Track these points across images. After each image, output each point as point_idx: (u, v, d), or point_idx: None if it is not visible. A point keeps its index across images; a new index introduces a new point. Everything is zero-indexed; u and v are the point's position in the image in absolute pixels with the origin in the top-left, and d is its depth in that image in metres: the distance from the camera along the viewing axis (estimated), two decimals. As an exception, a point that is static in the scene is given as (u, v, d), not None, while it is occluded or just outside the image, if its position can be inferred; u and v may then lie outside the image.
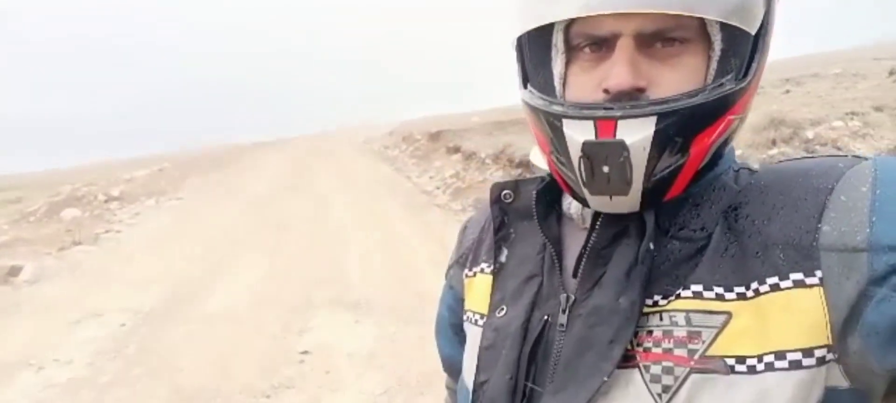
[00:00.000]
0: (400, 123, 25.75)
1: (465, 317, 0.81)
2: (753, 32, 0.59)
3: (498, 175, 9.72)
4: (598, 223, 0.67)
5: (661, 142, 0.58)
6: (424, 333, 4.43)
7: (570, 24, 0.64)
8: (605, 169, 0.59)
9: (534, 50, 0.69)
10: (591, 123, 0.59)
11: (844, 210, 0.55)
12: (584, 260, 0.67)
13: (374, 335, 4.47)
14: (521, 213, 0.75)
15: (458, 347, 0.85)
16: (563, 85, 0.67)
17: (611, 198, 0.62)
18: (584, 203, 0.66)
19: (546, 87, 0.67)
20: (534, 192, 0.73)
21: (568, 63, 0.67)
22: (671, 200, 0.63)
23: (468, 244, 0.86)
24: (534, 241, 0.73)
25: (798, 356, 0.54)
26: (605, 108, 0.59)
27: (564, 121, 0.61)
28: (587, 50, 0.63)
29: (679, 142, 0.58)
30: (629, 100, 0.59)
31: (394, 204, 9.58)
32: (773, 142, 6.66)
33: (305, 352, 4.24)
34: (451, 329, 0.90)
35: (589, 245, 0.67)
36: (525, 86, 0.68)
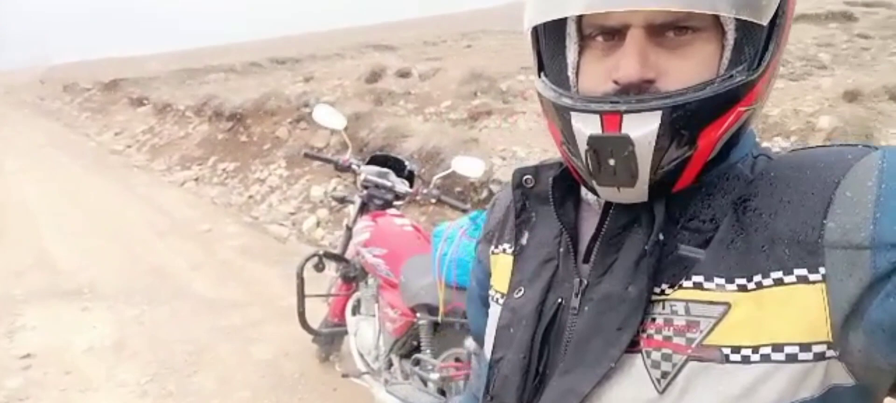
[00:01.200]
0: (49, 68, 21.51)
1: (490, 294, 0.84)
2: (765, 23, 0.58)
3: (204, 129, 9.09)
4: (611, 210, 0.69)
5: (667, 136, 0.58)
6: (178, 308, 4.17)
7: (580, 16, 0.65)
8: (611, 162, 0.61)
9: (548, 39, 0.70)
10: (597, 117, 0.60)
11: (849, 205, 0.55)
12: (596, 246, 0.70)
13: (113, 321, 4.00)
14: (542, 198, 0.77)
15: (485, 318, 0.86)
16: (577, 74, 0.68)
17: (619, 189, 0.63)
18: (595, 192, 0.68)
19: (560, 76, 0.69)
20: (550, 179, 0.75)
21: (581, 52, 0.67)
22: (682, 190, 0.64)
23: (494, 222, 0.88)
24: (552, 225, 0.75)
25: (795, 349, 0.55)
26: (612, 102, 0.60)
27: (572, 113, 0.62)
28: (599, 39, 0.64)
29: (686, 135, 0.59)
30: (638, 91, 0.60)
31: (82, 170, 8.26)
32: (475, 94, 7.71)
33: (28, 356, 3.60)
34: (480, 300, 0.91)
35: (602, 232, 0.69)
36: (539, 75, 0.70)
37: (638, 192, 0.63)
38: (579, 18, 0.66)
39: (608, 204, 0.70)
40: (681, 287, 0.61)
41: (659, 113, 0.58)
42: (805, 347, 0.55)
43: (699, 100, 0.58)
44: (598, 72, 0.64)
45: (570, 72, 0.69)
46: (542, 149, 6.09)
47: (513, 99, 7.51)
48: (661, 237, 0.62)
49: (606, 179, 0.63)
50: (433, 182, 3.18)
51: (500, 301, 0.80)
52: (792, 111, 5.20)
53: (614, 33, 0.62)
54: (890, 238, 0.52)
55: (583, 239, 0.73)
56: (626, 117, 0.59)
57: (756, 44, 0.60)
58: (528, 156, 5.95)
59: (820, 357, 0.55)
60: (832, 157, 0.59)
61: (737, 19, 0.59)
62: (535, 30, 0.71)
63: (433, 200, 3.22)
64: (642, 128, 0.58)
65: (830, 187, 0.56)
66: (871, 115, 4.85)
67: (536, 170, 0.79)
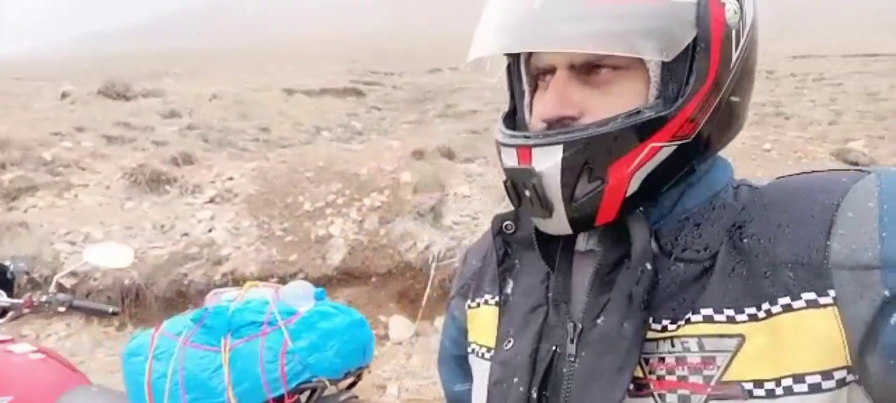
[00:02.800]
0: None
1: (469, 350, 0.81)
2: (667, 60, 0.60)
3: None
4: (601, 249, 0.68)
5: (571, 169, 0.61)
6: None
7: (528, 58, 0.70)
8: (527, 193, 0.64)
9: (513, 80, 0.74)
10: (514, 151, 0.64)
11: (853, 226, 0.55)
12: (588, 287, 0.68)
13: None
14: (524, 243, 0.75)
15: (462, 380, 0.85)
16: (531, 112, 0.71)
17: (543, 219, 0.65)
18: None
19: (521, 115, 0.73)
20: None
21: (534, 91, 0.71)
22: (672, 222, 0.65)
23: (469, 274, 0.85)
24: (538, 271, 0.73)
25: (817, 378, 0.54)
26: (525, 137, 0.64)
27: (501, 148, 0.66)
28: (544, 79, 0.67)
29: (593, 169, 0.61)
30: (562, 127, 0.63)
31: None
32: (3, 166, 5.82)
33: None
34: (454, 360, 0.88)
35: (593, 271, 0.68)
36: (505, 116, 0.74)
37: (558, 223, 0.64)
38: (527, 61, 0.70)
39: (601, 245, 0.68)
40: (689, 321, 0.60)
41: (561, 147, 0.60)
42: (826, 375, 0.54)
43: (599, 134, 0.60)
44: (536, 111, 0.67)
45: (526, 111, 0.72)
46: (123, 224, 5.08)
47: (65, 169, 6.05)
48: (649, 267, 0.61)
49: (527, 209, 0.66)
50: (53, 283, 2.26)
51: (486, 355, 0.76)
52: (377, 169, 5.80)
53: (551, 73, 0.65)
54: None
55: (573, 283, 0.70)
56: (535, 151, 0.62)
57: (678, 80, 0.61)
58: (107, 236, 4.88)
59: (841, 383, 0.54)
60: (827, 181, 0.60)
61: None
62: (508, 71, 0.74)
63: (62, 308, 2.26)
64: (547, 161, 0.61)
65: (831, 209, 0.56)
66: (437, 169, 5.83)
67: (517, 216, 0.76)
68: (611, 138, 0.60)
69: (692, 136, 0.63)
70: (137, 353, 1.74)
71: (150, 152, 6.94)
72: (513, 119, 0.74)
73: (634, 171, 0.61)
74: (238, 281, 4.74)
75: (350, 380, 1.85)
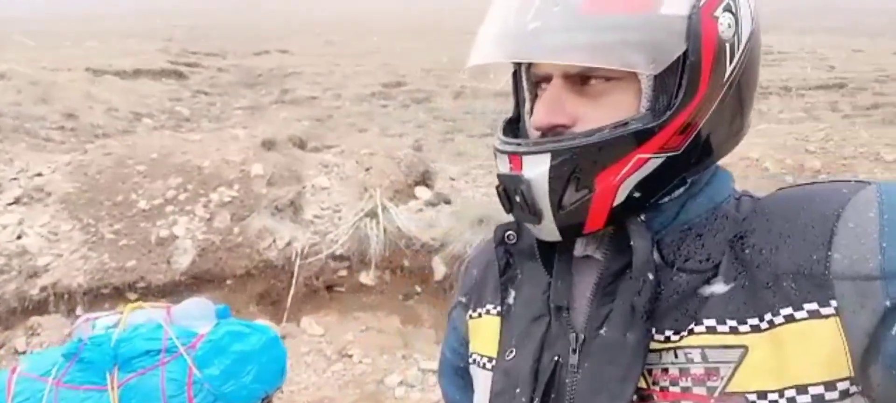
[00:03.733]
0: None
1: (471, 360, 0.80)
2: (655, 73, 0.61)
3: None
4: (603, 258, 0.68)
5: (558, 178, 0.62)
6: None
7: (530, 65, 0.71)
8: (517, 198, 0.65)
9: (516, 89, 0.76)
10: (507, 157, 0.66)
11: (854, 236, 0.55)
12: (590, 297, 0.68)
13: None
14: (526, 253, 0.75)
15: (462, 390, 0.85)
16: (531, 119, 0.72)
17: (534, 225, 0.67)
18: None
19: (523, 122, 0.75)
20: None
21: (535, 99, 0.72)
22: (675, 233, 0.65)
23: (471, 283, 0.84)
24: (540, 281, 0.73)
25: (820, 389, 0.54)
26: (516, 145, 0.66)
27: (497, 154, 0.68)
28: (543, 86, 0.68)
29: (580, 177, 0.62)
30: (553, 135, 0.64)
31: None
32: None
33: None
34: (455, 371, 0.87)
35: (595, 281, 0.68)
36: (506, 123, 0.75)
37: (547, 229, 0.66)
38: (527, 70, 0.72)
39: (604, 255, 0.69)
40: (692, 332, 0.60)
41: (548, 155, 0.62)
42: (829, 386, 0.54)
43: (586, 144, 0.61)
44: (533, 119, 0.68)
45: (527, 118, 0.74)
46: None
47: None
48: (652, 277, 0.61)
49: (518, 214, 0.68)
50: None
51: (488, 365, 0.76)
52: (222, 161, 5.32)
53: (551, 80, 0.67)
54: None
55: (574, 291, 0.70)
56: (525, 158, 0.64)
57: (669, 91, 0.62)
58: None
59: (845, 394, 0.54)
60: (827, 192, 0.60)
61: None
62: (514, 79, 0.75)
63: None
64: (536, 169, 0.63)
65: (831, 219, 0.57)
66: (290, 160, 5.51)
67: (518, 225, 0.76)
68: (597, 148, 0.61)
69: (681, 149, 0.64)
70: (-5, 398, 1.38)
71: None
72: (515, 125, 0.76)
73: (621, 181, 0.62)
74: (62, 295, 4.07)
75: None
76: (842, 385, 0.54)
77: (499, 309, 0.76)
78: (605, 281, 0.66)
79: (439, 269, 4.65)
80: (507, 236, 0.77)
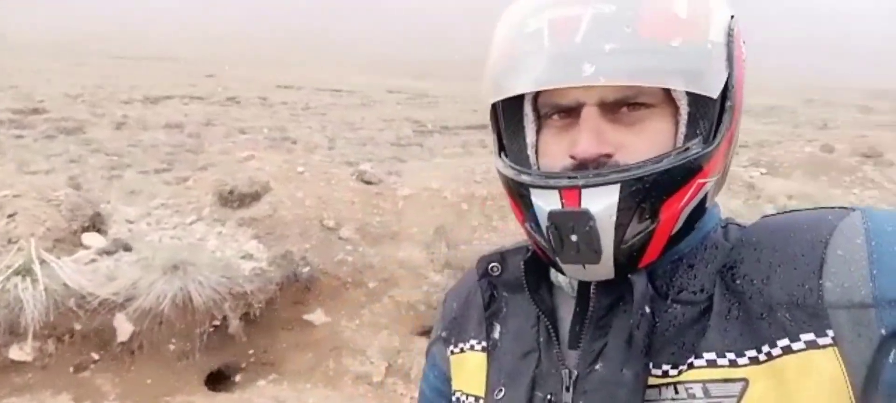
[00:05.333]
0: None
1: (454, 399, 0.77)
2: (714, 96, 0.60)
3: None
4: (593, 292, 0.66)
5: (627, 209, 0.58)
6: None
7: (537, 94, 0.66)
8: (574, 237, 0.59)
9: (507, 119, 0.70)
10: (556, 193, 0.59)
11: (843, 264, 0.55)
12: (584, 331, 0.66)
13: None
14: (512, 286, 0.72)
15: None
16: (537, 153, 0.68)
17: (584, 266, 0.62)
18: (561, 271, 0.65)
19: (520, 155, 0.69)
20: (521, 263, 0.70)
21: (539, 131, 0.68)
22: (663, 264, 0.64)
23: (450, 317, 0.80)
24: (527, 314, 0.70)
25: None
26: (569, 177, 0.60)
27: (532, 190, 0.62)
28: (556, 117, 0.65)
29: (647, 208, 0.59)
30: (596, 166, 0.60)
31: None
32: None
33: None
34: None
35: (588, 315, 0.66)
36: (500, 155, 0.69)
37: (604, 269, 0.61)
38: (535, 99, 0.67)
39: (585, 287, 0.67)
40: (692, 366, 0.59)
41: (618, 186, 0.58)
42: None
43: (657, 172, 0.58)
44: (556, 151, 0.64)
45: (530, 151, 0.69)
46: None
47: None
48: (648, 310, 0.61)
49: (570, 256, 0.61)
50: None
51: None
52: None
53: (570, 111, 0.63)
54: (891, 294, 0.53)
55: (563, 326, 0.69)
56: (585, 191, 0.58)
57: (710, 117, 0.62)
58: None
59: None
60: (813, 219, 0.60)
61: (688, 94, 0.62)
62: (494, 109, 0.70)
63: None
64: (602, 202, 0.58)
65: (820, 247, 0.57)
66: None
67: (502, 257, 0.73)
68: (668, 175, 0.59)
69: (723, 172, 0.65)
70: None
71: None
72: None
73: (683, 209, 0.61)
74: None
75: None
76: None
77: (484, 344, 0.73)
78: (596, 316, 0.64)
79: (124, 328, 3.93)
80: (491, 268, 0.73)
